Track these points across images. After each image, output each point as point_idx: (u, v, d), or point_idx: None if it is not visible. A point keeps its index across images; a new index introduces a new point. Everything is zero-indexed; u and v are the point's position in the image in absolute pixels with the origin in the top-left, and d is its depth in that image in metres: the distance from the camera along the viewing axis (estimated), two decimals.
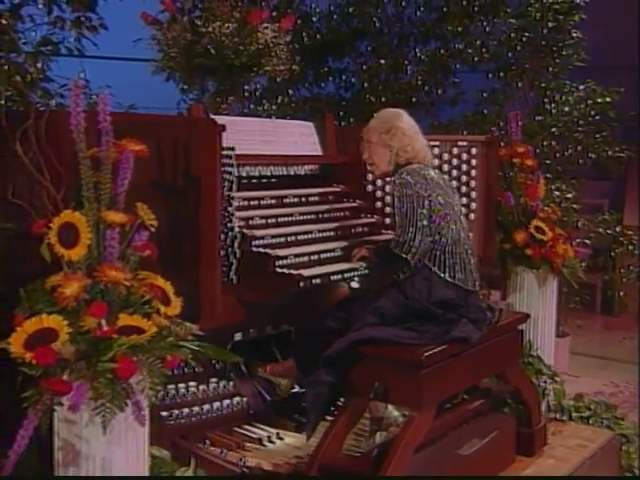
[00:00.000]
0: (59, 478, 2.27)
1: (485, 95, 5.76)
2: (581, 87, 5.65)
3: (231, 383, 3.43)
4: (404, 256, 3.11)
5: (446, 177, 3.56)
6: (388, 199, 4.03)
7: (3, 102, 2.97)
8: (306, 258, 3.25)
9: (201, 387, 3.32)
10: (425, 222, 3.12)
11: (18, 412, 2.13)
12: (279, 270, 3.07)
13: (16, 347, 2.11)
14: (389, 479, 2.88)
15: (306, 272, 3.10)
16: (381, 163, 3.36)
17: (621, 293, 6.03)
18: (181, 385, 3.25)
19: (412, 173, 3.19)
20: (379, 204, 4.05)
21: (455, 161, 4.01)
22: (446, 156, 4.05)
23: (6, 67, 3.03)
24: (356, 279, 3.47)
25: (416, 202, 3.13)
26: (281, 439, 3.36)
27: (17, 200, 2.73)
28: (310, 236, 3.45)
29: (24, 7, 3.48)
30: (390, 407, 3.37)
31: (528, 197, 4.22)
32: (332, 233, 3.58)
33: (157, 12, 3.88)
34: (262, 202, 3.46)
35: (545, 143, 5.51)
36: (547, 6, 5.46)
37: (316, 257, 3.30)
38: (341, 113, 5.93)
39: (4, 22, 3.07)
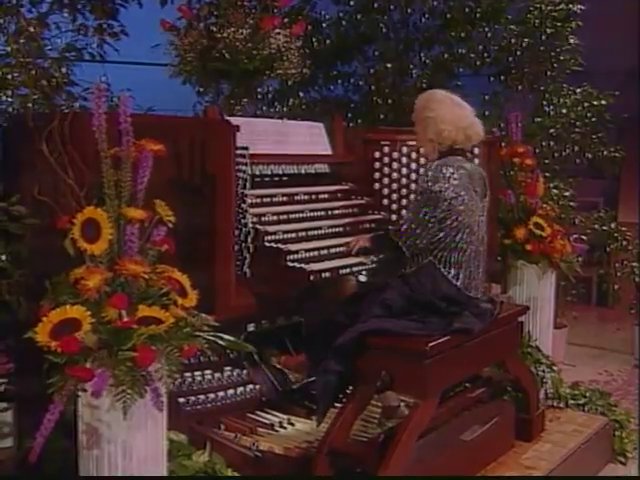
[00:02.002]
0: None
1: (487, 97, 5.73)
2: (578, 90, 5.62)
3: (244, 371, 3.43)
4: (400, 244, 3.06)
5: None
6: (394, 196, 4.01)
7: (30, 105, 2.97)
8: (316, 253, 3.24)
9: (216, 375, 3.32)
10: (429, 225, 3.02)
11: None
12: (290, 264, 3.06)
13: (42, 336, 2.11)
14: (388, 479, 2.86)
15: (316, 266, 3.09)
16: (427, 152, 3.26)
17: (615, 286, 5.99)
18: (197, 373, 3.25)
19: (442, 172, 3.03)
20: (386, 201, 4.03)
21: None
22: None
23: (33, 72, 3.04)
24: (364, 272, 3.45)
25: (431, 201, 3.01)
26: (292, 425, 3.35)
27: (43, 197, 2.73)
28: (320, 232, 3.44)
29: (50, 15, 3.50)
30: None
31: (527, 195, 4.20)
32: (341, 229, 3.57)
33: (175, 19, 3.87)
34: (274, 199, 3.45)
35: (544, 143, 5.48)
36: (545, 14, 5.44)
37: (325, 252, 3.29)
38: (349, 115, 5.92)
39: (32, 30, 3.08)
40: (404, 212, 3.92)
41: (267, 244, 3.10)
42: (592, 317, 7.24)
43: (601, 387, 4.54)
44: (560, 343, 5.38)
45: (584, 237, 5.34)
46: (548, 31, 5.46)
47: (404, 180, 4.01)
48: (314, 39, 5.85)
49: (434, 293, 3.07)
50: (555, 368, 4.10)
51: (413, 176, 4.02)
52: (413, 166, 4.04)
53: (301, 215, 3.48)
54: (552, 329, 4.33)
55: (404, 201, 4.01)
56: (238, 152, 2.86)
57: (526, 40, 5.55)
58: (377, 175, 4.05)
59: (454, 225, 3.06)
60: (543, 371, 4.00)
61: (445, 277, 3.09)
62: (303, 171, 3.72)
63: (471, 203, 3.12)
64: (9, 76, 3.11)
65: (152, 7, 3.95)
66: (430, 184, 3.03)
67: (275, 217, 3.33)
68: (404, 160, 4.04)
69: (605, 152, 5.66)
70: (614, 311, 6.80)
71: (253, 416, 3.37)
